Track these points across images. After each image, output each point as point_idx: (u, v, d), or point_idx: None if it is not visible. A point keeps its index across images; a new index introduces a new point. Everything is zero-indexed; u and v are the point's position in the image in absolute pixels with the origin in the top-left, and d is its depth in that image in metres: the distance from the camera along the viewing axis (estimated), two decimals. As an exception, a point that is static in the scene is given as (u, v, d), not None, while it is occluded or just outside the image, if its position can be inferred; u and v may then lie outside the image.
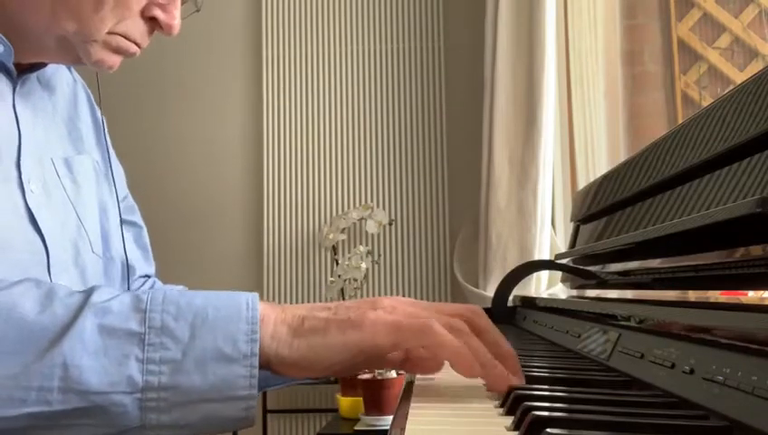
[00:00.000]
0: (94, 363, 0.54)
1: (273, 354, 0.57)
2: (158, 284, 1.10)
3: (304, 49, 2.54)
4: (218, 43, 2.61)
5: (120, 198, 0.99)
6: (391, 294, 2.43)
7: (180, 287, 1.11)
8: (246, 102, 2.58)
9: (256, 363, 0.56)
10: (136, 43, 0.80)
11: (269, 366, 0.58)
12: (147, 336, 0.55)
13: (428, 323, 0.57)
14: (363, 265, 2.21)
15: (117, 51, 0.79)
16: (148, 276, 1.07)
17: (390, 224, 2.40)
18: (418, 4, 2.50)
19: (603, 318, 0.76)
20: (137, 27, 0.79)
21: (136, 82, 2.53)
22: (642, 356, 0.59)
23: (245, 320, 0.56)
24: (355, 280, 2.24)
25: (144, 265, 1.04)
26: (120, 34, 0.78)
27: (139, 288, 1.04)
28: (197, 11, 0.87)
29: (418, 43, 2.50)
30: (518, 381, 0.59)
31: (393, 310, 0.60)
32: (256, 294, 0.59)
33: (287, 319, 0.58)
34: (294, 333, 0.58)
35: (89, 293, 0.57)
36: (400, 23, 2.51)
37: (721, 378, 0.45)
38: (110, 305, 0.56)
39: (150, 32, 0.81)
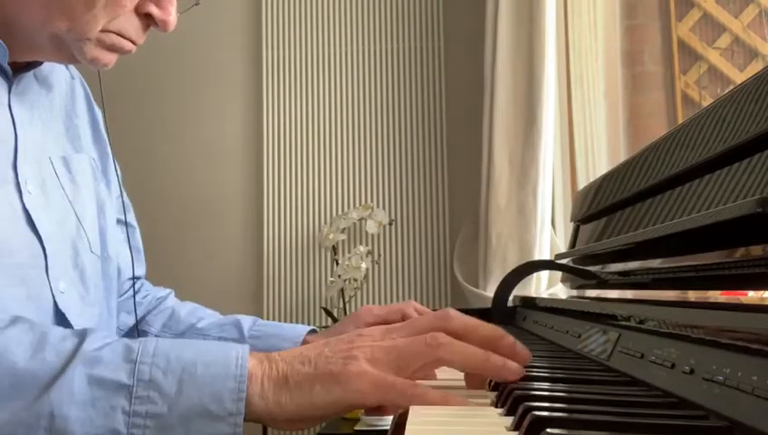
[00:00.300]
0: (81, 414, 0.54)
1: (262, 411, 0.57)
2: (147, 286, 1.09)
3: (304, 49, 2.54)
4: (218, 43, 2.61)
5: (116, 196, 0.99)
6: (391, 293, 2.43)
7: (168, 292, 1.10)
8: (246, 102, 2.58)
9: (241, 421, 0.56)
10: (131, 41, 0.79)
11: (261, 421, 0.58)
12: (135, 389, 0.55)
13: (412, 387, 0.56)
14: (363, 265, 2.21)
15: (111, 48, 0.78)
16: (138, 278, 1.06)
17: (390, 224, 2.40)
18: (418, 4, 2.50)
19: (603, 318, 0.76)
20: (131, 24, 0.78)
21: (135, 83, 2.53)
22: (642, 356, 0.59)
23: (233, 378, 0.56)
24: (355, 280, 2.24)
25: (134, 266, 1.03)
26: (114, 32, 0.77)
27: (126, 291, 1.03)
28: (197, 4, 0.86)
29: (418, 43, 2.50)
30: (523, 357, 0.60)
31: (373, 357, 0.58)
32: (247, 348, 0.59)
33: (273, 376, 0.58)
34: (281, 390, 0.57)
35: (81, 338, 0.57)
36: (400, 23, 2.51)
37: (721, 378, 0.45)
38: (100, 355, 0.56)
39: (145, 28, 0.80)
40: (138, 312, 1.02)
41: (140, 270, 1.06)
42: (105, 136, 0.99)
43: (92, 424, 0.54)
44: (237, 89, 2.59)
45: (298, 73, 2.53)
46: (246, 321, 1.00)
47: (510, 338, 0.61)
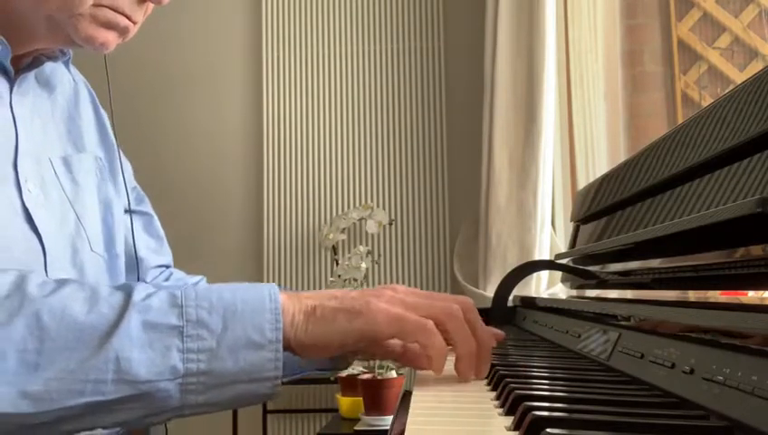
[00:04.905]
0: (142, 356, 0.60)
1: (292, 338, 0.64)
2: (177, 274, 1.10)
3: (304, 49, 2.54)
4: (218, 43, 2.61)
5: (128, 190, 0.99)
6: (391, 294, 2.43)
7: (199, 278, 1.11)
8: (246, 102, 2.58)
9: (281, 348, 0.62)
10: (126, 16, 0.78)
11: (289, 348, 0.65)
12: (185, 329, 0.61)
13: (425, 322, 0.65)
14: (363, 265, 2.21)
15: (107, 25, 0.77)
16: (166, 266, 1.07)
17: (390, 224, 2.40)
18: (418, 4, 2.50)
19: (603, 318, 0.76)
20: None
21: (135, 83, 2.53)
22: (642, 356, 0.59)
23: (270, 311, 0.63)
24: (355, 280, 2.24)
25: (156, 255, 1.04)
26: (107, 6, 0.76)
27: (154, 279, 1.04)
28: None
29: (418, 43, 2.50)
30: (481, 373, 0.68)
31: (393, 301, 0.66)
32: (276, 287, 0.65)
33: (303, 307, 0.65)
34: (308, 320, 0.65)
35: (128, 292, 0.63)
36: (400, 23, 2.51)
37: (721, 378, 0.45)
38: (150, 303, 0.62)
39: (140, 1, 0.79)
40: None
41: (164, 259, 1.08)
42: (112, 135, 0.99)
43: (153, 363, 0.60)
44: (237, 89, 2.59)
45: (298, 73, 2.53)
46: None
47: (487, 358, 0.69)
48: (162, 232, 1.09)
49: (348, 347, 0.66)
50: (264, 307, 0.63)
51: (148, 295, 0.62)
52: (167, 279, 1.07)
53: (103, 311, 0.60)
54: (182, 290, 0.63)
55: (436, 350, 0.64)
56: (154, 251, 1.05)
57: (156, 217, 1.07)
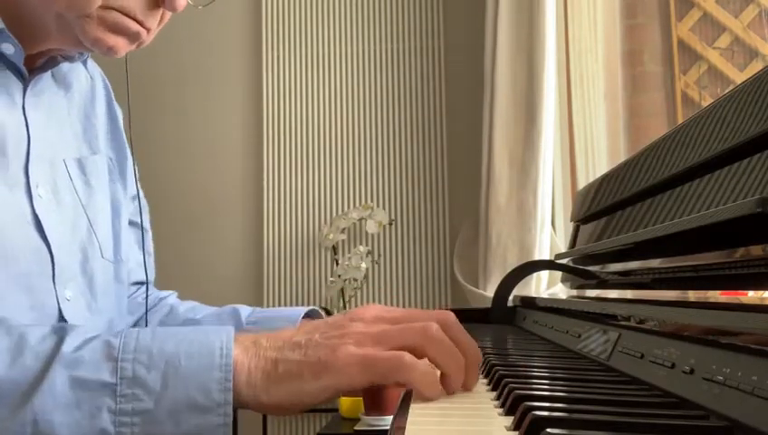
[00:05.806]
0: (66, 418, 0.53)
1: (251, 400, 0.57)
2: (151, 288, 1.05)
3: (304, 49, 2.54)
4: (218, 43, 2.61)
5: (131, 197, 0.96)
6: (391, 293, 2.43)
7: (168, 294, 1.08)
8: (246, 102, 2.58)
9: (230, 411, 0.55)
10: (137, 21, 0.74)
11: (248, 408, 0.58)
12: (119, 387, 0.54)
13: (399, 358, 0.56)
14: (363, 265, 2.21)
15: (115, 29, 0.73)
16: (146, 283, 1.05)
17: (390, 224, 2.40)
18: (418, 4, 2.50)
19: (603, 318, 0.76)
20: (134, 0, 0.73)
21: (135, 83, 2.53)
22: (642, 356, 0.59)
23: (219, 368, 0.56)
24: (355, 280, 2.24)
25: (142, 270, 0.99)
26: (116, 9, 0.72)
27: (132, 294, 1.01)
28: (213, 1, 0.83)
29: (418, 43, 2.50)
30: (468, 386, 0.60)
31: (362, 339, 0.58)
32: (231, 334, 0.58)
33: (260, 364, 0.57)
34: (269, 378, 0.57)
35: (60, 337, 0.56)
36: (400, 23, 2.51)
37: (721, 378, 0.45)
38: (81, 356, 0.55)
39: (152, 6, 0.75)
40: (140, 312, 1.00)
41: (150, 275, 1.03)
42: (124, 136, 0.97)
43: (79, 426, 0.53)
44: (237, 89, 2.59)
45: (298, 73, 2.53)
46: (245, 310, 0.96)
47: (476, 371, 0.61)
48: (152, 248, 1.04)
49: (319, 403, 0.58)
50: (213, 364, 0.55)
51: (81, 345, 0.56)
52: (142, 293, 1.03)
53: (27, 363, 0.54)
54: (122, 338, 0.56)
55: (421, 383, 0.56)
56: (140, 266, 1.00)
57: (150, 233, 1.03)
